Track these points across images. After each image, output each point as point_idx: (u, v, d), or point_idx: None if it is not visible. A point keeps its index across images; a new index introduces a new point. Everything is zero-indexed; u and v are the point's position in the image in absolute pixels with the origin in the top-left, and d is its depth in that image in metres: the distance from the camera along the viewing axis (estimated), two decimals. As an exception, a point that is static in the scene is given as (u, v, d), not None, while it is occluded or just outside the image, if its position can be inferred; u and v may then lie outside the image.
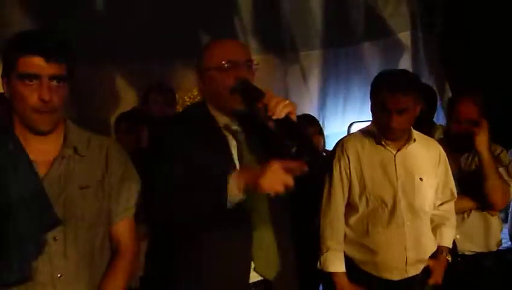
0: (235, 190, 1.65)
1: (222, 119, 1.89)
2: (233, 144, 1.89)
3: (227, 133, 1.88)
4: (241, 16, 4.28)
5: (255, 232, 1.85)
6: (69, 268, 1.62)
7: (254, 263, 1.86)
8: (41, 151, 1.64)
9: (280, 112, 1.68)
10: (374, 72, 4.18)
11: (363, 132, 2.46)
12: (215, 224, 1.80)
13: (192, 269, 1.87)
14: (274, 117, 1.68)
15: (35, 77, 1.56)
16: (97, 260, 1.71)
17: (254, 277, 1.87)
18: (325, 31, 4.53)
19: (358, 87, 4.48)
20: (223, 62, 1.80)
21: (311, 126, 3.36)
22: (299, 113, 3.69)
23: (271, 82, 4.36)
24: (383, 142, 2.35)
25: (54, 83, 1.58)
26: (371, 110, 2.39)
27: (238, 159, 1.87)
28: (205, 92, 1.91)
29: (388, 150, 2.36)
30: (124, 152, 1.81)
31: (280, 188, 1.60)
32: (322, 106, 4.58)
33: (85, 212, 1.66)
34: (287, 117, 1.69)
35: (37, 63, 1.55)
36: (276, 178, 1.60)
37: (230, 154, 1.86)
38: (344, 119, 4.51)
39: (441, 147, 2.49)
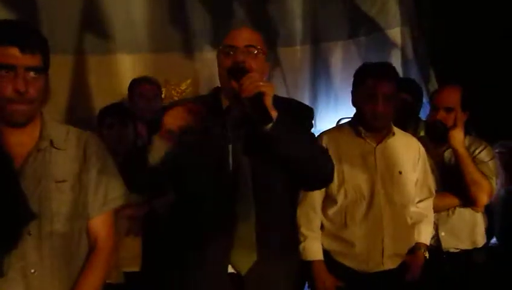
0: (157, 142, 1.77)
1: (225, 102, 1.98)
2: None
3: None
4: (231, 11, 4.25)
5: (238, 226, 1.89)
6: (44, 264, 1.60)
7: (231, 256, 1.89)
8: (17, 143, 1.61)
9: (250, 90, 1.69)
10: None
11: (343, 125, 2.49)
12: (201, 212, 1.86)
13: (174, 260, 1.92)
14: (243, 95, 1.71)
15: (11, 67, 1.53)
16: (74, 255, 1.68)
17: (230, 269, 1.91)
18: (315, 26, 4.50)
19: (349, 82, 4.45)
20: (225, 46, 1.92)
21: None
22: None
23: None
24: (363, 135, 2.37)
25: (31, 74, 1.56)
26: (354, 102, 2.42)
27: (232, 149, 1.92)
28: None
29: (368, 142, 2.38)
30: (103, 146, 1.79)
31: (177, 124, 1.74)
32: (313, 101, 4.55)
33: (61, 207, 1.63)
34: (256, 96, 1.69)
35: (12, 54, 1.53)
36: (174, 116, 1.74)
37: (226, 135, 1.92)
38: (336, 114, 4.48)
39: (420, 144, 2.50)
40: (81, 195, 1.68)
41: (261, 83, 1.71)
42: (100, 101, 3.59)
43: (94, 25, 3.64)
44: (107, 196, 1.74)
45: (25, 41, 1.54)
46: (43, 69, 1.59)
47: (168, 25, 3.87)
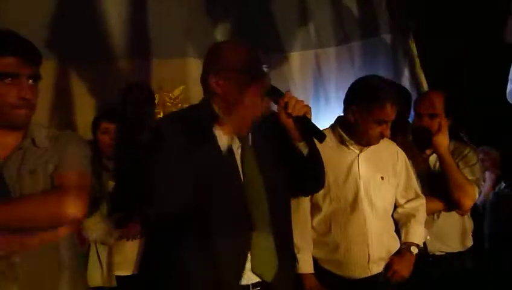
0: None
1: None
2: (237, 144, 1.95)
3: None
4: (228, 16, 4.28)
5: (254, 232, 1.90)
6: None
7: (251, 263, 1.89)
8: (3, 143, 1.72)
9: (299, 110, 1.86)
10: (357, 72, 4.24)
11: (326, 132, 2.46)
12: (213, 219, 1.85)
13: (179, 269, 1.90)
14: (294, 114, 1.86)
15: (15, 76, 1.66)
16: (58, 245, 1.73)
17: (253, 278, 1.90)
18: (307, 33, 4.54)
19: (340, 87, 4.49)
20: (245, 64, 1.89)
21: None
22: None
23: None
24: (347, 143, 2.40)
25: (30, 82, 1.70)
26: (354, 114, 2.35)
27: (241, 160, 1.94)
28: (218, 92, 1.91)
29: (352, 150, 2.41)
30: (78, 137, 1.90)
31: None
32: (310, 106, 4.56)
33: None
34: (305, 116, 1.87)
35: (16, 63, 1.67)
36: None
37: (232, 153, 1.93)
38: (332, 119, 4.50)
39: (398, 147, 2.53)
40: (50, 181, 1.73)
41: (304, 103, 1.88)
42: (89, 107, 3.62)
43: (85, 30, 3.66)
44: (74, 162, 1.76)
45: (27, 52, 1.69)
46: (39, 77, 1.73)
47: (161, 31, 3.89)
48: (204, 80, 1.95)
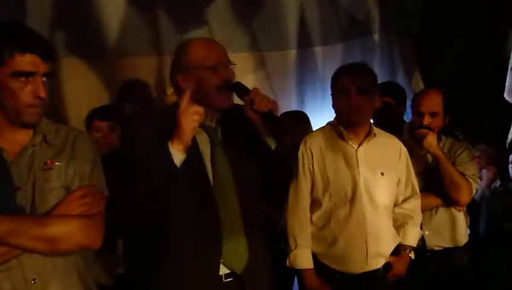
0: (176, 152, 1.80)
1: None
2: (205, 139, 1.98)
3: (199, 130, 1.94)
4: (219, 15, 4.29)
5: (224, 225, 1.93)
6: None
7: (222, 256, 1.93)
8: (13, 140, 1.68)
9: (265, 106, 1.86)
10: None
11: (326, 128, 2.52)
12: (185, 217, 1.89)
13: (161, 264, 1.94)
14: (259, 110, 1.87)
15: (31, 74, 1.61)
16: None
17: (224, 269, 1.94)
18: (301, 31, 4.55)
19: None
20: (212, 62, 1.94)
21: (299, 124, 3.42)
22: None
23: (248, 80, 4.38)
24: (345, 137, 2.42)
25: (43, 79, 1.64)
26: (333, 103, 2.46)
27: (211, 154, 1.97)
28: (187, 89, 1.93)
29: (350, 145, 2.42)
30: (92, 142, 1.83)
31: (195, 122, 1.81)
32: (300, 105, 4.59)
33: (48, 194, 1.66)
34: (271, 112, 1.87)
35: (33, 62, 1.61)
36: (189, 116, 1.80)
37: (198, 149, 1.95)
38: (322, 118, 4.51)
39: (401, 143, 2.55)
40: (69, 184, 1.70)
41: (271, 99, 1.88)
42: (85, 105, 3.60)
43: (84, 27, 3.64)
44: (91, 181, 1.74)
45: (45, 50, 1.64)
46: (53, 75, 1.68)
47: (159, 28, 3.89)
48: (172, 78, 2.02)
